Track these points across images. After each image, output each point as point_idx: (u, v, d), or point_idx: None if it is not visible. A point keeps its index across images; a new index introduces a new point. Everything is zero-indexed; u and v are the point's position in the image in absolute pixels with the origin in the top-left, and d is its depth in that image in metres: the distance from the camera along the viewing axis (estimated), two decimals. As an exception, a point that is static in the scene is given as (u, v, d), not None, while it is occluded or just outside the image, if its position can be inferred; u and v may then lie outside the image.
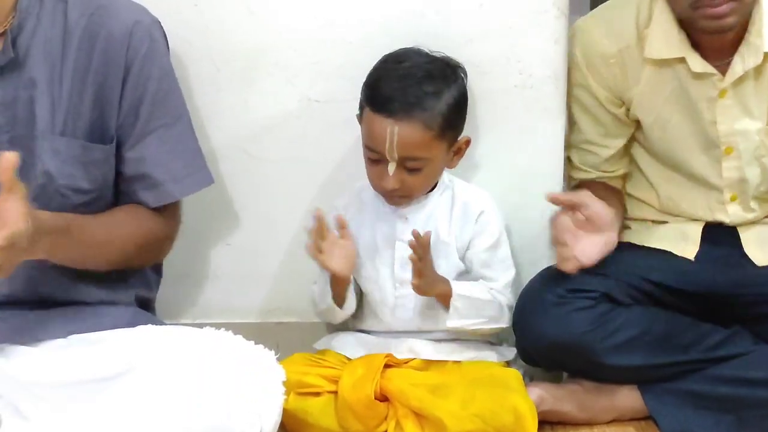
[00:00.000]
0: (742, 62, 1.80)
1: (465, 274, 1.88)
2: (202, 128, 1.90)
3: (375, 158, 1.79)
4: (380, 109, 1.76)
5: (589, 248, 1.79)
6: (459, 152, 1.86)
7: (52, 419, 1.44)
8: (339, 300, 1.87)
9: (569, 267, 1.79)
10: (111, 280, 1.64)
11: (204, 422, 1.37)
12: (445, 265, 1.85)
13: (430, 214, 1.87)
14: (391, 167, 1.78)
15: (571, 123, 1.98)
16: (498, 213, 1.90)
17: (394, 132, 1.75)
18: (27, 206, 1.37)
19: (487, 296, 1.84)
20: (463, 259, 1.88)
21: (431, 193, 1.88)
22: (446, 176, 1.89)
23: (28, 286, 1.57)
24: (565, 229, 1.79)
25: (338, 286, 1.86)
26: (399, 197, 1.83)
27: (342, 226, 1.83)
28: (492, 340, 1.94)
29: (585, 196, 1.80)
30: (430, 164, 1.80)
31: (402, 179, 1.79)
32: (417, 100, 1.76)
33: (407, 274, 1.84)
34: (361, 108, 1.82)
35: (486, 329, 1.86)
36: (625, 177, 2.04)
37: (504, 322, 1.88)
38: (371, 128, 1.78)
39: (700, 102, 1.86)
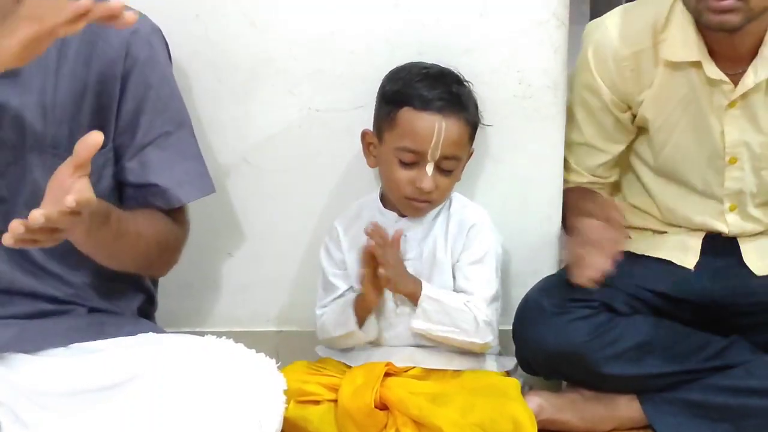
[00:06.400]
0: (754, 74, 1.79)
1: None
2: (203, 138, 1.90)
3: (410, 160, 1.77)
4: (426, 106, 1.76)
5: (600, 262, 1.80)
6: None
7: (53, 427, 1.44)
8: (360, 322, 1.84)
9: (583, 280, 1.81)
10: (112, 290, 1.64)
11: (205, 431, 1.38)
12: (439, 282, 1.84)
13: (428, 231, 1.87)
14: (430, 167, 1.77)
15: (571, 123, 1.97)
16: (490, 231, 1.87)
17: (442, 128, 1.75)
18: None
19: (460, 306, 1.81)
20: (452, 271, 1.86)
21: None
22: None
23: (28, 292, 1.56)
24: (580, 244, 1.82)
25: (365, 310, 1.83)
26: (426, 203, 1.81)
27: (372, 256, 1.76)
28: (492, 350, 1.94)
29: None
30: (459, 166, 1.81)
31: (436, 181, 1.79)
32: (458, 98, 1.78)
33: None
34: (391, 113, 1.78)
35: (457, 340, 1.82)
36: (614, 186, 2.04)
37: (479, 337, 1.82)
38: (414, 127, 1.76)
39: (710, 110, 1.85)
